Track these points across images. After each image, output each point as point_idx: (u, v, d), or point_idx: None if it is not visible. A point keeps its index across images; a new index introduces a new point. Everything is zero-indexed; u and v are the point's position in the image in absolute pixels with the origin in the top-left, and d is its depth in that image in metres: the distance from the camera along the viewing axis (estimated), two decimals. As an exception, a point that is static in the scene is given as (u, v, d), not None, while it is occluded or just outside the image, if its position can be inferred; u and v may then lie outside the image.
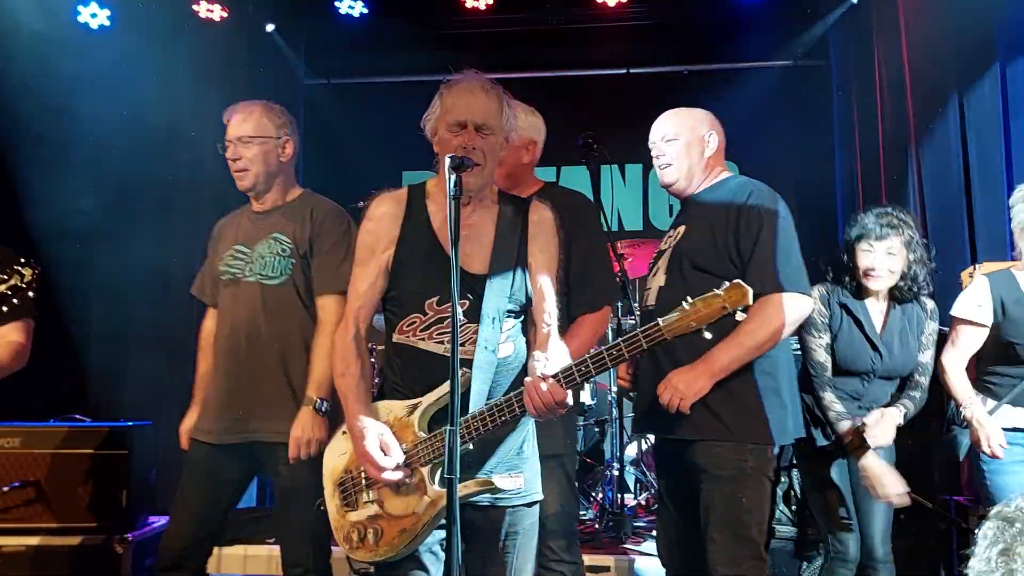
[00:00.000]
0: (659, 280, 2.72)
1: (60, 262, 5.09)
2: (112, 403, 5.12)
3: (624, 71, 6.37)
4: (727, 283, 2.02)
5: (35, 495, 3.74)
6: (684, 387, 2.44)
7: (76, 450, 3.84)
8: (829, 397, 2.96)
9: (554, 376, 2.06)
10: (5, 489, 3.67)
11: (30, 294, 2.49)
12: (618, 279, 3.95)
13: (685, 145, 2.77)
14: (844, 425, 2.90)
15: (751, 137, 6.28)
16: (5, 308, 2.54)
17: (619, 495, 4.40)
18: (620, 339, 2.08)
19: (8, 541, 3.65)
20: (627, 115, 6.36)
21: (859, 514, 3.00)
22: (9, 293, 2.47)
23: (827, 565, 3.06)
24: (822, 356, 3.01)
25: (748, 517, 2.48)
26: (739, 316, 2.03)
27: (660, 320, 2.04)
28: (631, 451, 4.94)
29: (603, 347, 2.09)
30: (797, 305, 2.55)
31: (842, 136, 5.78)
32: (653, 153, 2.82)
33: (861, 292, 3.06)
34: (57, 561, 3.68)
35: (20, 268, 2.49)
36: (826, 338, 3.03)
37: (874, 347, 3.00)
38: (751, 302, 2.01)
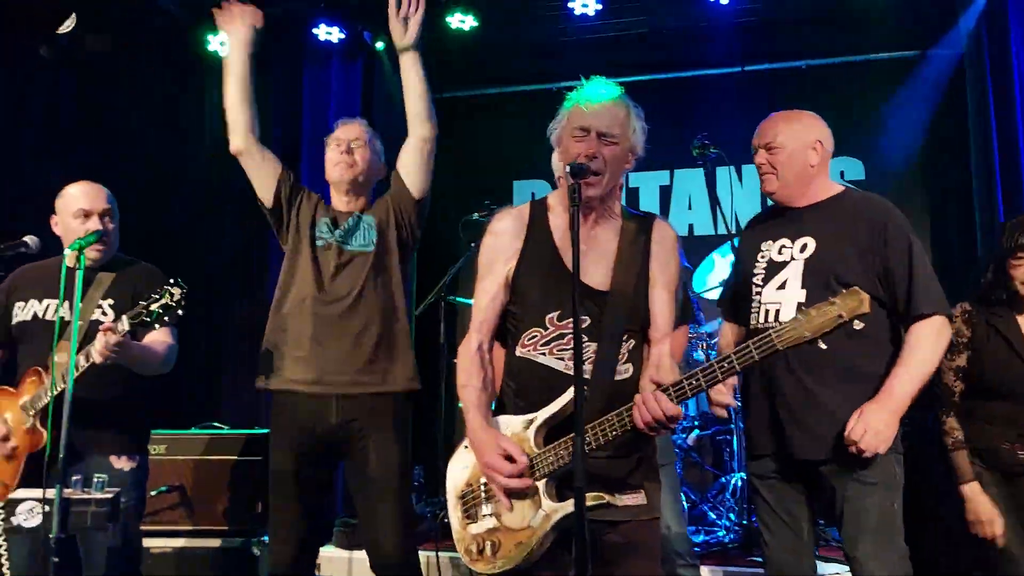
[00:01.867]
0: (795, 295, 2.56)
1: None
2: (244, 411, 5.38)
3: (739, 68, 6.20)
4: (843, 290, 1.96)
5: (179, 499, 3.99)
6: (885, 430, 2.41)
7: (216, 456, 4.07)
8: (951, 423, 2.89)
9: (664, 390, 2.03)
10: (153, 493, 3.90)
11: (179, 312, 2.65)
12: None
13: (789, 154, 2.64)
14: (959, 456, 2.86)
15: (877, 134, 6.04)
16: (158, 326, 2.72)
17: (746, 507, 4.28)
18: (731, 352, 2.03)
19: (156, 543, 3.89)
20: (743, 114, 6.20)
21: None
22: (161, 311, 2.65)
23: None
24: (951, 379, 2.90)
25: (899, 523, 2.49)
26: (856, 325, 1.97)
27: (771, 331, 1.98)
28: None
29: (713, 360, 2.05)
30: (949, 328, 2.56)
31: (978, 132, 5.44)
32: (756, 160, 2.72)
33: (1013, 308, 2.89)
34: (200, 562, 3.91)
35: (170, 287, 2.65)
36: (959, 360, 2.90)
37: None
38: (868, 310, 1.94)
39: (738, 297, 2.80)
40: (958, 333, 2.88)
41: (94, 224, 3.04)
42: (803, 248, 2.60)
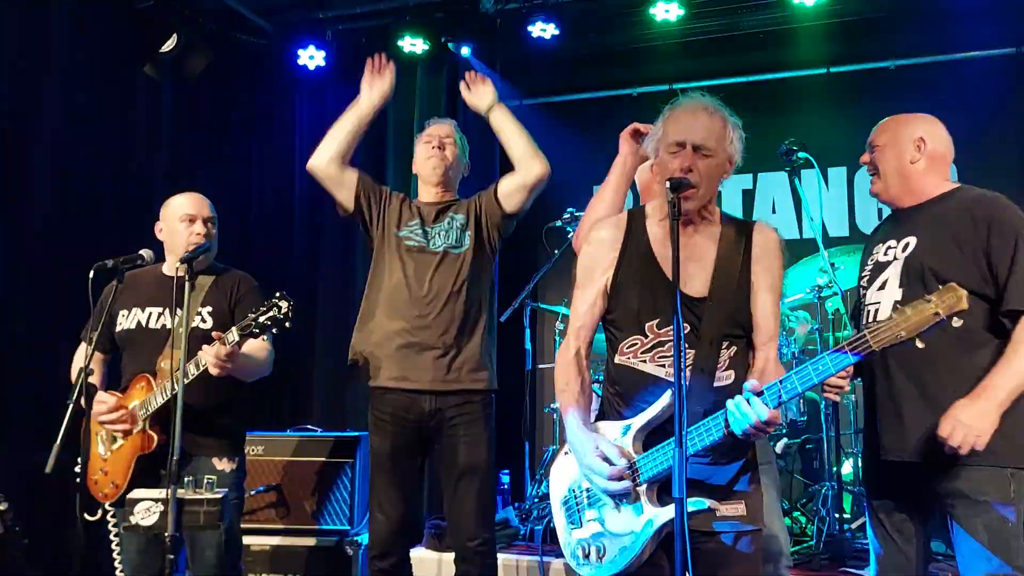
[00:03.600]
0: (892, 294, 2.52)
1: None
2: (334, 413, 5.54)
3: (824, 70, 6.09)
4: (939, 287, 1.91)
5: (276, 499, 4.13)
6: (978, 423, 2.27)
7: (309, 457, 4.21)
8: None
9: (759, 395, 2.03)
10: (251, 493, 4.06)
11: (287, 325, 2.76)
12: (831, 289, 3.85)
13: (888, 153, 2.64)
14: None
15: (970, 136, 5.80)
16: (265, 338, 2.83)
17: (835, 515, 4.20)
18: (825, 353, 2.01)
19: (254, 540, 4.04)
20: (828, 116, 6.11)
21: None
22: (268, 323, 2.75)
23: None
24: None
25: (1016, 544, 2.32)
26: (955, 323, 1.92)
27: (867, 331, 1.95)
28: (847, 468, 4.71)
29: (808, 363, 2.03)
30: None
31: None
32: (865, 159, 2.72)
33: None
34: (295, 560, 4.04)
35: (278, 301, 2.76)
36: None
37: None
38: (966, 307, 1.89)
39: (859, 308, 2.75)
40: None
41: (199, 228, 3.19)
42: (906, 247, 2.56)
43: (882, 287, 2.57)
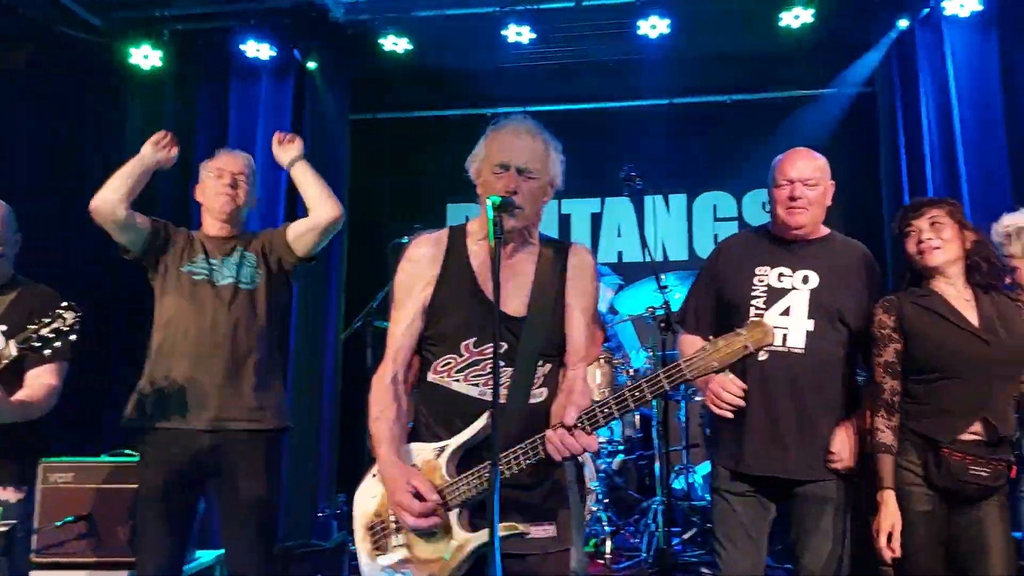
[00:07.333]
0: (802, 323, 2.69)
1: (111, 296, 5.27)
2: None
3: (666, 102, 6.36)
4: (749, 321, 1.98)
5: (86, 530, 3.78)
6: (852, 446, 2.69)
7: (125, 484, 3.87)
8: (879, 423, 2.65)
9: (577, 420, 2.04)
10: (58, 524, 3.71)
11: (71, 337, 2.51)
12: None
13: (822, 192, 2.79)
14: (882, 460, 2.61)
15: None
16: (47, 352, 2.57)
17: (666, 529, 4.32)
18: (642, 380, 2.05)
19: (60, 576, 3.70)
20: (671, 145, 6.38)
21: None
22: (51, 336, 2.50)
23: None
24: (879, 375, 2.70)
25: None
26: (761, 356, 2.01)
27: (682, 361, 2.01)
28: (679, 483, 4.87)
29: (625, 389, 2.06)
30: None
31: (888, 166, 5.68)
32: (790, 193, 2.75)
33: (929, 280, 2.73)
34: (107, 596, 3.71)
35: (62, 312, 2.51)
36: (886, 355, 2.68)
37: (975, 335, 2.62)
38: (772, 341, 1.99)
39: (714, 312, 2.85)
40: (880, 325, 2.69)
41: None
42: (805, 280, 2.75)
43: (785, 313, 2.71)
